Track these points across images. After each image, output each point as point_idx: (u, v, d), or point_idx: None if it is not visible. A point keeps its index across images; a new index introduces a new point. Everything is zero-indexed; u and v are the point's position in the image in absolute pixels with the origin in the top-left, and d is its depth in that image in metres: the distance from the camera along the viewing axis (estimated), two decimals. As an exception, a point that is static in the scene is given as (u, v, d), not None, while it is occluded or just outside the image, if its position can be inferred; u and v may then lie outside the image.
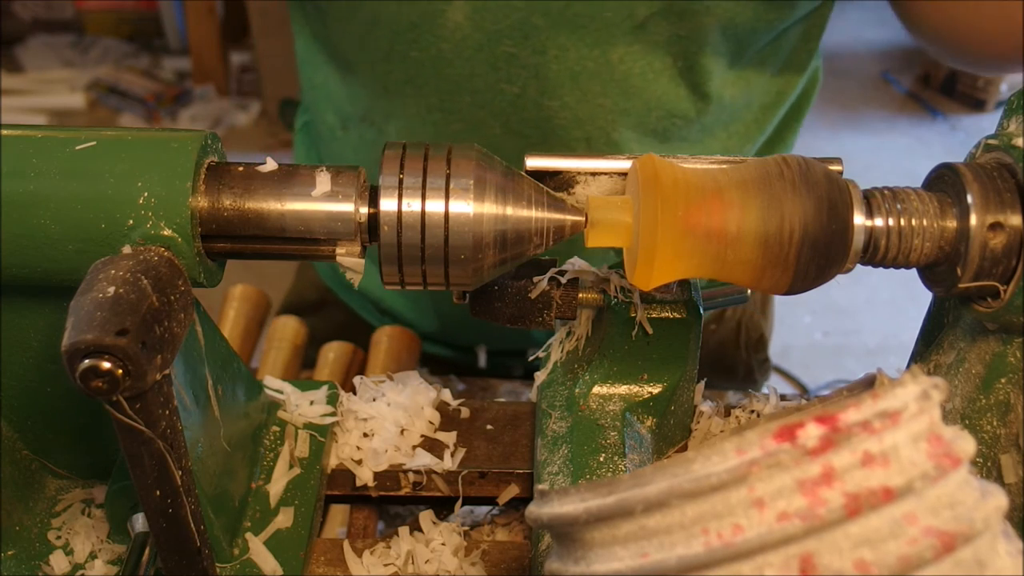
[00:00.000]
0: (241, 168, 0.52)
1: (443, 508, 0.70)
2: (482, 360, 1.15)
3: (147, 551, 0.55)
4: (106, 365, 0.41)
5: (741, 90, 0.93)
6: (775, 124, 1.03)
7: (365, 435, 0.69)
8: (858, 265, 0.52)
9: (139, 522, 0.58)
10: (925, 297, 0.58)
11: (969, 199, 0.49)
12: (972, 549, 0.36)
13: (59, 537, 0.63)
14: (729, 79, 0.91)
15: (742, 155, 0.96)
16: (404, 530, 0.66)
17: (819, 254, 0.49)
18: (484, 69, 0.86)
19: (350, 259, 0.52)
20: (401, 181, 0.50)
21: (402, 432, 0.69)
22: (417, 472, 0.68)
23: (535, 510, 0.42)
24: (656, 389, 0.64)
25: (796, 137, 1.09)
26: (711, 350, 1.19)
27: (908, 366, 0.63)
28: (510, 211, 0.50)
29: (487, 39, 0.84)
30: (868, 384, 0.52)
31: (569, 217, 0.52)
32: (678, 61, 0.87)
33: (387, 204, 0.49)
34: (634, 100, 0.89)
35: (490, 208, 0.50)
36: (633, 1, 0.82)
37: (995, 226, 0.49)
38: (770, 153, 1.03)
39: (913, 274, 0.54)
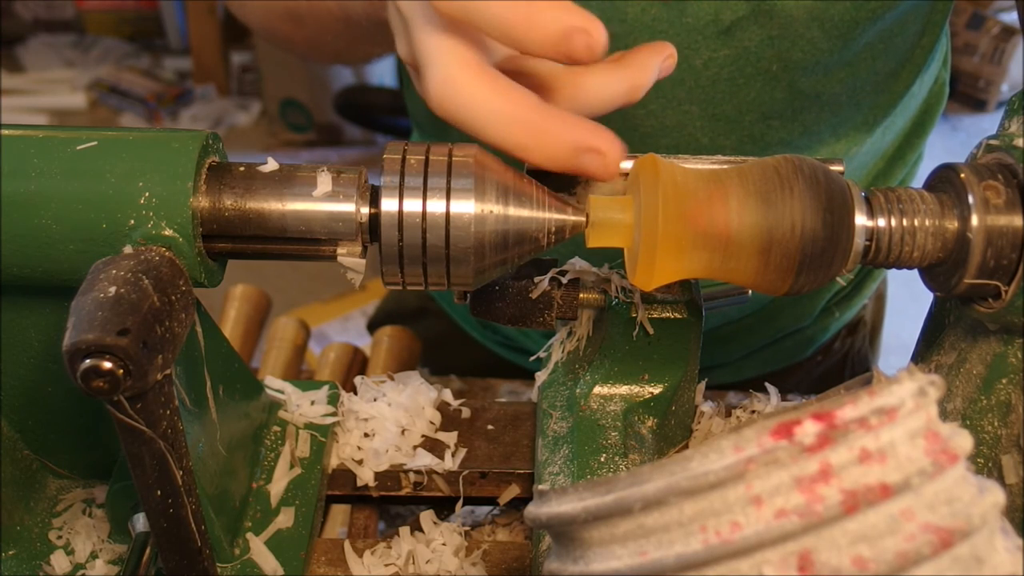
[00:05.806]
0: (242, 168, 0.52)
1: (444, 508, 0.70)
2: None
3: (148, 551, 0.55)
4: (107, 365, 0.41)
5: (845, 86, 0.87)
6: (895, 136, 0.98)
7: (366, 435, 0.70)
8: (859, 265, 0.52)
9: (140, 522, 0.58)
10: (926, 297, 0.58)
11: (970, 200, 0.49)
12: (970, 545, 0.36)
13: (60, 537, 0.63)
14: (833, 75, 0.85)
15: (855, 161, 0.93)
16: (405, 530, 0.66)
17: (819, 254, 0.49)
18: None
19: (351, 259, 0.52)
20: (402, 181, 0.50)
21: (403, 432, 0.70)
22: (418, 472, 0.68)
23: (534, 510, 0.42)
24: (657, 389, 0.64)
25: (919, 156, 1.02)
26: (813, 381, 1.12)
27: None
28: (511, 211, 0.50)
29: None
30: (865, 382, 0.52)
31: (570, 217, 0.52)
32: (772, 64, 0.82)
33: (388, 204, 0.49)
34: (724, 105, 0.84)
35: (491, 208, 0.50)
36: (717, 2, 0.78)
37: (996, 226, 0.49)
38: (891, 170, 0.99)
39: (914, 274, 0.54)
